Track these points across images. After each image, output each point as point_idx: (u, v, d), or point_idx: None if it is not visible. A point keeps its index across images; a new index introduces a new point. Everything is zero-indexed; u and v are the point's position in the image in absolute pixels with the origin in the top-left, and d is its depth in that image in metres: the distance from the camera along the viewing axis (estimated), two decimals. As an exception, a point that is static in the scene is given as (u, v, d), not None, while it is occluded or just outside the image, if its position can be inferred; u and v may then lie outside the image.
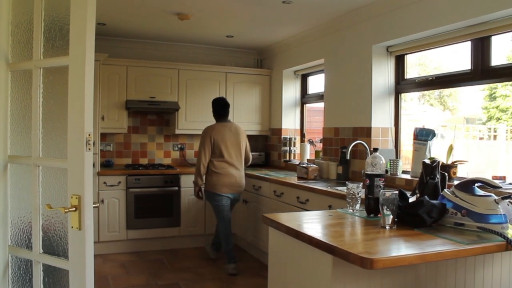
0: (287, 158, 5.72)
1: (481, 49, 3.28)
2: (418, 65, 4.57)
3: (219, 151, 4.47)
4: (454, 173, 3.33)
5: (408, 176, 3.71)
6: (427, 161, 2.42)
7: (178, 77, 5.59)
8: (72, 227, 1.86)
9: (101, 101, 5.07)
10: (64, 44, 1.90)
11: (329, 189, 3.67)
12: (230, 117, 5.39)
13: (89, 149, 1.83)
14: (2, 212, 2.10)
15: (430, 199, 2.15)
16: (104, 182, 4.98)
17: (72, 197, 1.84)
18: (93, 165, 3.68)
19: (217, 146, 4.47)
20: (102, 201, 4.94)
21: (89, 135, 1.83)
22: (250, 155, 4.77)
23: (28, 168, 2.05)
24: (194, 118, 5.66)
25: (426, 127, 3.72)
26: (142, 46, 5.75)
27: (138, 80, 5.41)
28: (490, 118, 4.76)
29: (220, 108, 4.64)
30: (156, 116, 5.87)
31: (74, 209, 1.83)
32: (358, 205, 2.50)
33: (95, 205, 1.90)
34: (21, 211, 2.13)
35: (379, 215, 2.24)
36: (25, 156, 2.08)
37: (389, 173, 3.82)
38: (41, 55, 1.99)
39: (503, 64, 3.15)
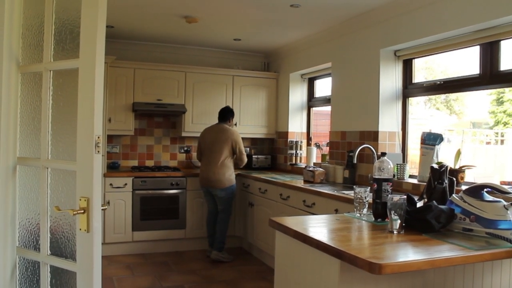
0: (293, 162, 5.71)
1: (490, 53, 3.26)
2: (425, 68, 4.55)
3: (201, 149, 5.06)
4: (462, 178, 3.31)
5: (415, 181, 3.69)
6: (435, 166, 2.41)
7: (185, 79, 5.61)
8: (80, 229, 1.86)
9: (108, 103, 5.10)
10: (74, 47, 1.91)
11: (335, 193, 3.67)
12: (236, 119, 5.56)
13: (98, 151, 1.83)
14: (11, 213, 2.11)
15: (438, 204, 2.14)
16: (111, 184, 5.00)
17: (80, 199, 1.85)
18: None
19: (201, 144, 5.06)
20: (108, 202, 4.96)
21: (98, 137, 1.83)
22: (243, 156, 4.97)
23: (37, 170, 2.07)
24: (201, 121, 5.66)
25: (433, 131, 3.71)
26: (149, 49, 5.78)
27: (145, 82, 5.43)
28: (497, 123, 4.73)
29: (219, 113, 5.10)
30: (162, 118, 5.89)
31: (82, 211, 1.84)
32: (365, 210, 2.49)
33: (103, 208, 1.91)
34: (30, 213, 2.14)
35: (386, 220, 2.23)
36: (34, 158, 2.09)
37: (396, 177, 3.81)
38: (51, 58, 2.00)
39: (512, 69, 3.14)
